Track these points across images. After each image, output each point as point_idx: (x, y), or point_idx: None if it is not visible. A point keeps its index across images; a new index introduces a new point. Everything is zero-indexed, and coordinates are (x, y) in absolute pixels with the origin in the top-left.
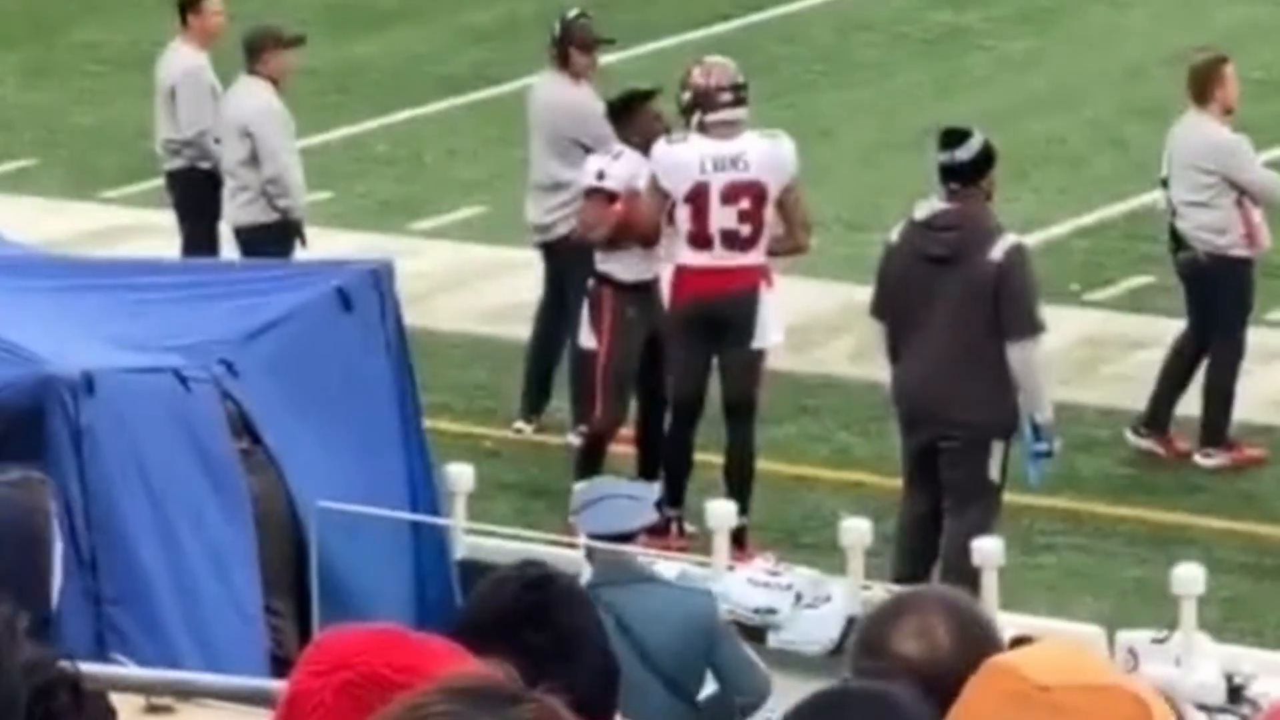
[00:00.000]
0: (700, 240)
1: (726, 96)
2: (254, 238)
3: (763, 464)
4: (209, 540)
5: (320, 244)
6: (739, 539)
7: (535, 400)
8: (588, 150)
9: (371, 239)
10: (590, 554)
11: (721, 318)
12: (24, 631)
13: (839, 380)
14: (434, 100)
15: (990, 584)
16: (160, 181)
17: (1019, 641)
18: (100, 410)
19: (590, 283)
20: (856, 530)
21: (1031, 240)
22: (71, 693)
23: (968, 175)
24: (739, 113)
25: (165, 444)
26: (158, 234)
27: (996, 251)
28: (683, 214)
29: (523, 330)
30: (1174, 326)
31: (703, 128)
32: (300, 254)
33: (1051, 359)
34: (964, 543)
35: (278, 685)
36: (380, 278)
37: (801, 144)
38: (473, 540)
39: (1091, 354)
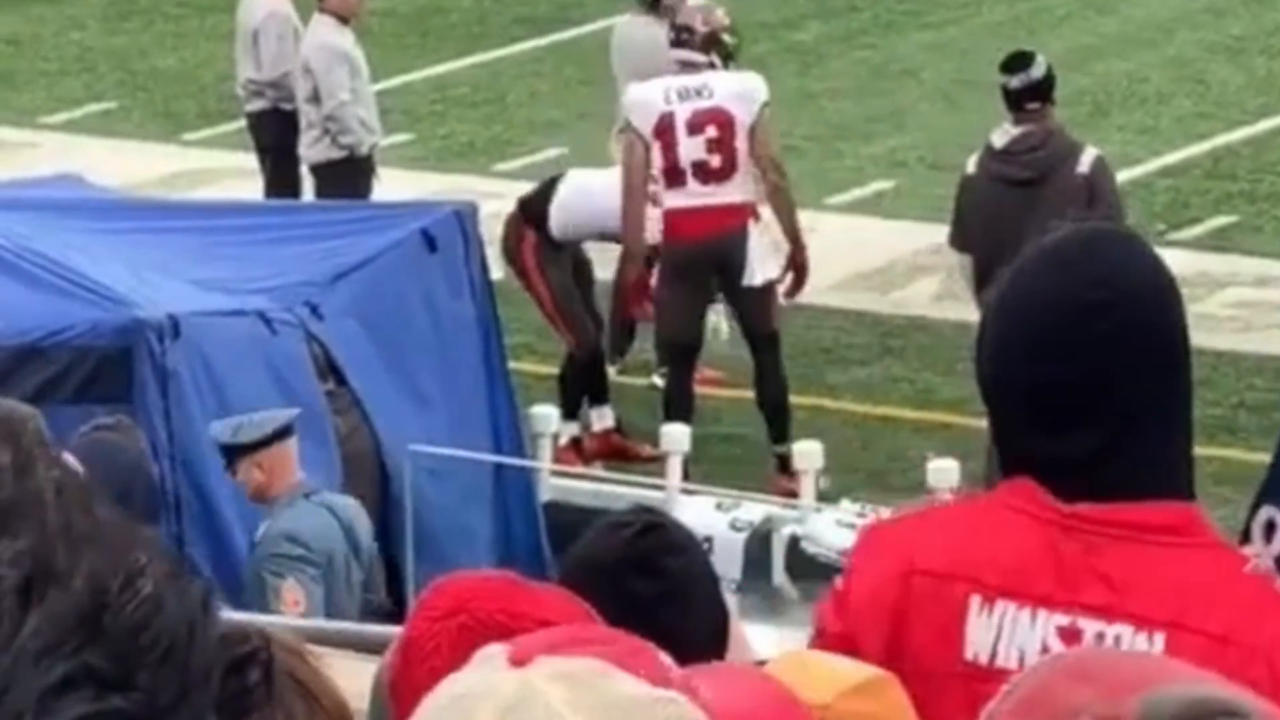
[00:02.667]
0: (673, 176)
1: (697, 39)
2: (324, 175)
3: (846, 405)
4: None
5: (402, 186)
6: (785, 466)
7: (620, 341)
8: None
9: (454, 180)
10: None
11: (710, 260)
12: (216, 604)
13: (923, 321)
14: (516, 41)
15: None
16: (241, 124)
17: None
18: (186, 353)
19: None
20: (944, 471)
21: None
22: (264, 665)
23: (1043, 94)
24: (705, 59)
25: (250, 386)
26: (239, 176)
27: (1083, 165)
28: (655, 152)
29: (607, 271)
30: (1258, 266)
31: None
32: (378, 193)
33: None
34: None
35: (394, 630)
36: (464, 219)
37: (883, 84)
38: (558, 482)
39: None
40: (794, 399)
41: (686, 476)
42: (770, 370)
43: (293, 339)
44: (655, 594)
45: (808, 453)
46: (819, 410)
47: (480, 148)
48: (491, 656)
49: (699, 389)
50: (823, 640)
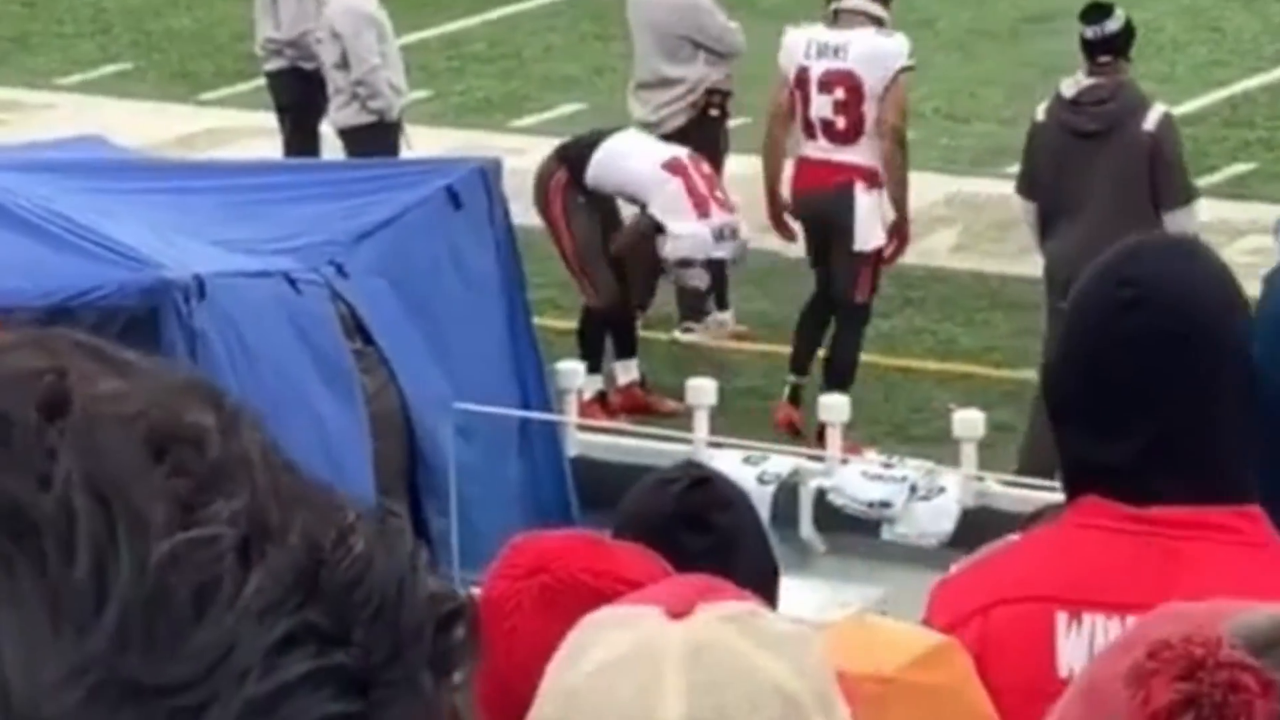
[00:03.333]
0: (806, 128)
1: None
2: (354, 140)
3: (867, 356)
4: (324, 441)
5: (420, 143)
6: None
7: (642, 295)
8: (698, 47)
9: (472, 137)
10: None
11: (819, 214)
12: (424, 562)
13: (943, 272)
14: None
15: None
16: (259, 83)
17: None
18: (212, 313)
19: (546, 162)
20: (969, 421)
21: None
22: (471, 621)
23: (1117, 47)
24: (860, 4)
25: (277, 345)
26: (258, 136)
27: (1149, 122)
28: (797, 99)
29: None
30: (1277, 212)
31: (827, 17)
32: (405, 154)
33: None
34: None
35: None
36: (488, 176)
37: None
38: (585, 437)
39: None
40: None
41: (712, 431)
42: (843, 340)
43: (318, 298)
44: (704, 548)
45: (834, 406)
46: None
47: (497, 104)
48: (639, 615)
49: (726, 344)
50: None
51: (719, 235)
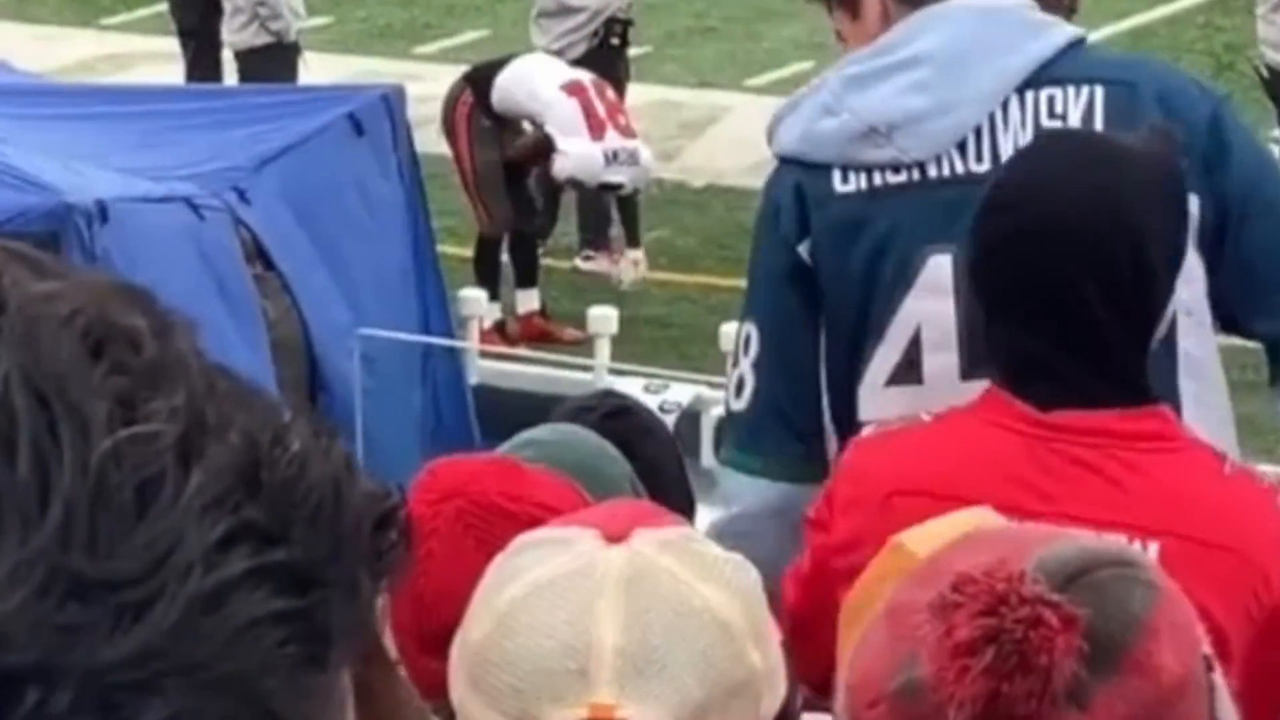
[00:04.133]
0: None
1: None
2: (250, 61)
3: None
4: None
5: (321, 69)
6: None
7: (543, 224)
8: None
9: (373, 64)
10: None
11: None
12: (358, 463)
13: None
14: None
15: None
16: (159, 8)
17: None
18: (115, 238)
19: (454, 85)
20: None
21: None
22: (405, 520)
23: None
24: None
25: (180, 271)
26: (159, 61)
27: None
28: None
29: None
30: None
31: None
32: (303, 78)
33: None
34: None
35: None
36: (391, 103)
37: None
38: (486, 365)
39: None
40: (719, 280)
41: (613, 360)
42: None
43: (221, 224)
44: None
45: (733, 334)
46: (742, 291)
47: (398, 31)
48: (575, 537)
49: (622, 272)
50: (802, 562)
51: (611, 158)
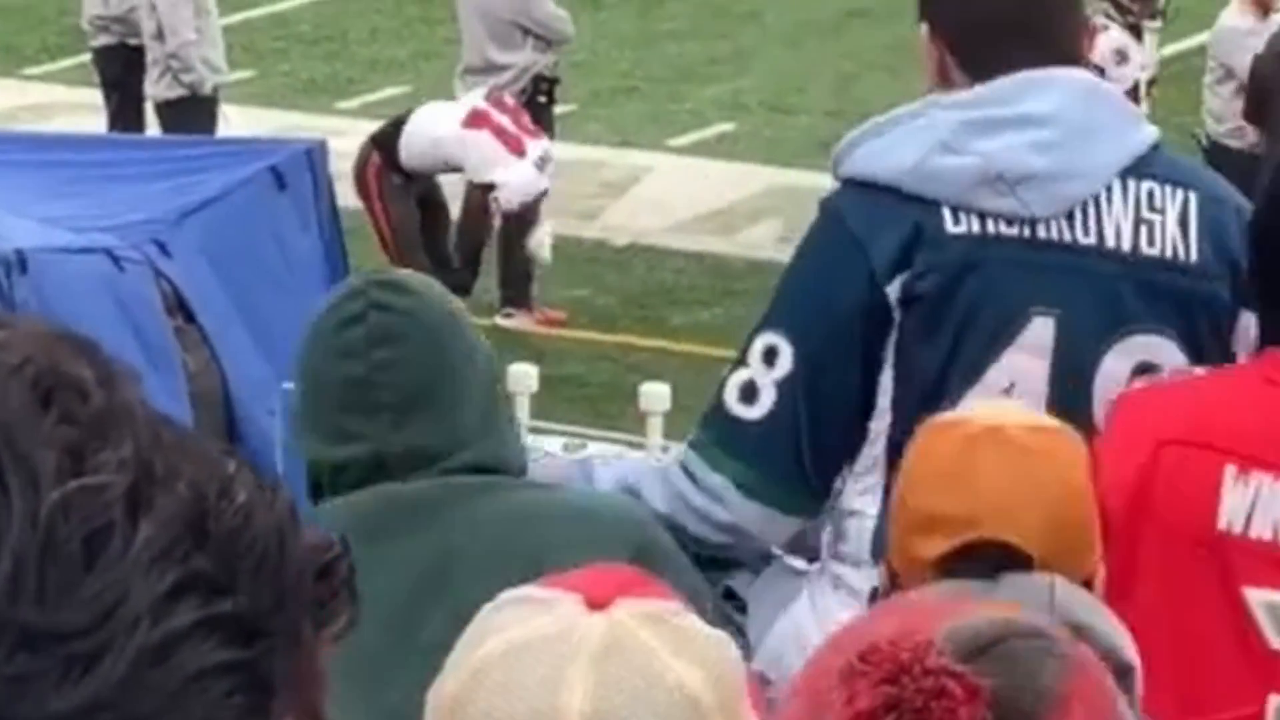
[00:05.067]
0: None
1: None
2: (169, 114)
3: (688, 347)
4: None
5: (243, 123)
6: None
7: (464, 279)
8: (527, 33)
9: (295, 118)
10: None
11: None
12: (300, 514)
13: (765, 264)
14: None
15: None
16: (83, 59)
17: None
18: (34, 288)
19: (362, 147)
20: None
21: None
22: (347, 570)
23: None
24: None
25: (99, 322)
26: (82, 112)
27: None
28: None
29: (452, 210)
30: None
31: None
32: (222, 131)
33: None
34: None
35: None
36: (314, 157)
37: (726, 25)
38: None
39: None
40: (638, 339)
41: (533, 418)
42: None
43: (141, 276)
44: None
45: (655, 394)
46: (663, 352)
47: (321, 85)
48: (560, 599)
49: (541, 329)
50: None
51: (541, 165)
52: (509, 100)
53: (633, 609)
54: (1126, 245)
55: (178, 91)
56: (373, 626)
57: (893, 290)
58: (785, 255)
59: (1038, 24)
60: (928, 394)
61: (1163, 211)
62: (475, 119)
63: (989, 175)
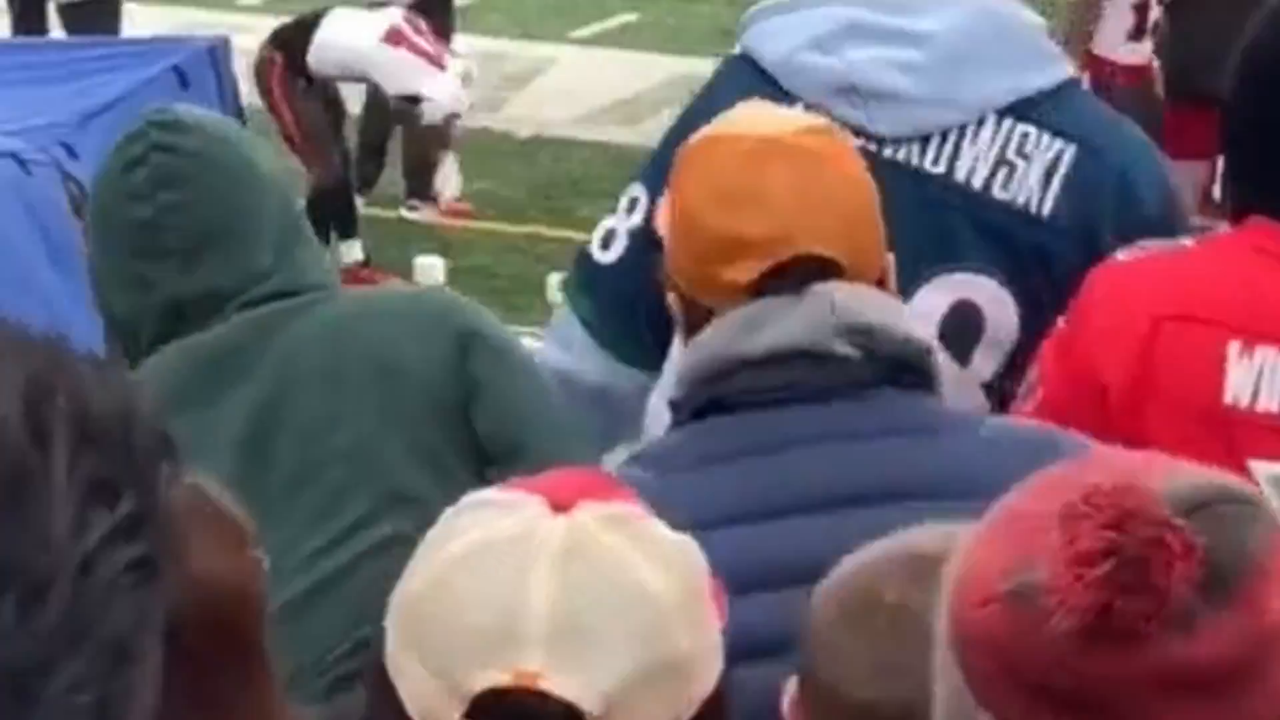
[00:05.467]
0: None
1: None
2: (73, 15)
3: (585, 235)
4: (54, 319)
5: (145, 20)
6: None
7: (368, 172)
8: None
9: (199, 15)
10: None
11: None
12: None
13: None
14: None
15: None
16: None
17: None
18: None
19: (261, 48)
20: None
21: None
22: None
23: None
24: None
25: (6, 226)
26: None
27: None
28: None
29: (358, 102)
30: None
31: None
32: (126, 31)
33: None
34: None
35: None
36: (217, 55)
37: None
38: None
39: None
40: (546, 230)
41: None
42: None
43: (49, 179)
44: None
45: (557, 284)
46: (570, 243)
47: None
48: (519, 502)
49: (448, 220)
50: (1046, 388)
51: (465, 79)
52: (424, 23)
53: (595, 511)
54: (977, 183)
55: None
56: (224, 476)
57: None
58: None
59: None
60: None
61: (1029, 158)
62: (393, 36)
63: (845, 84)
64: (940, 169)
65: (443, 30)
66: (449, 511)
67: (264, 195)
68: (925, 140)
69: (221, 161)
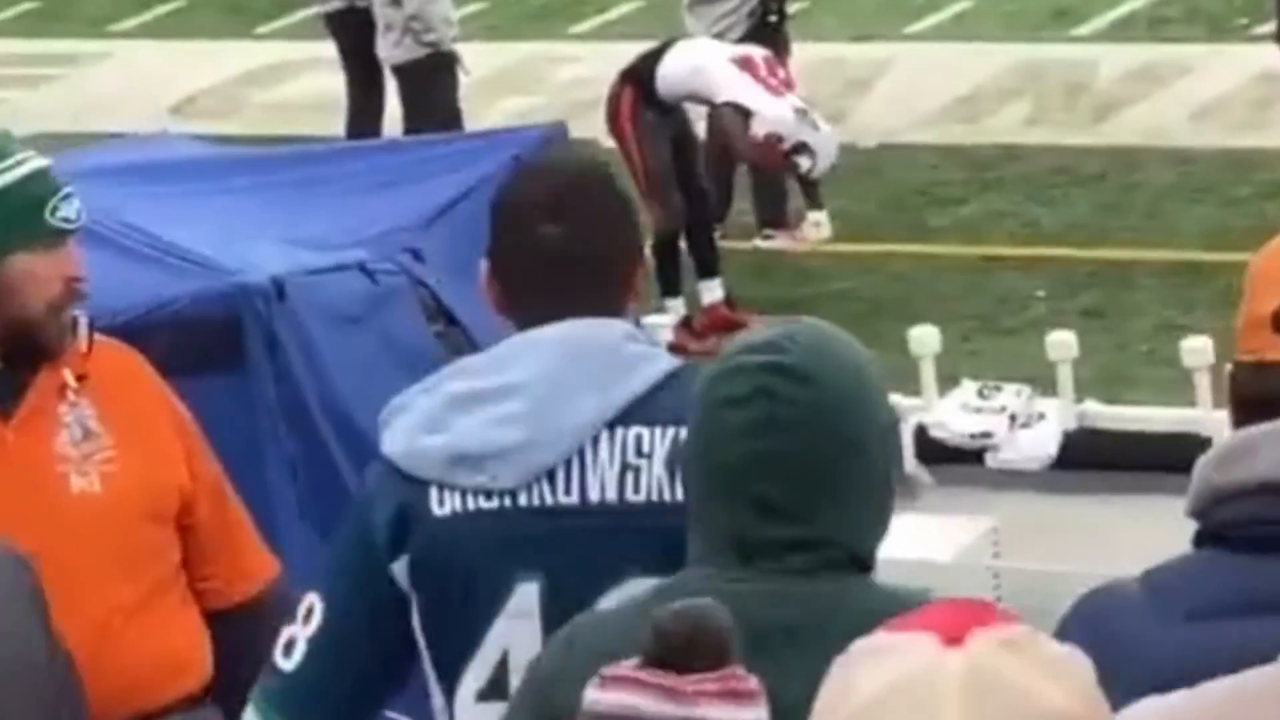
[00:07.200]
0: None
1: None
2: (410, 75)
3: (947, 248)
4: None
5: (479, 60)
6: None
7: (718, 208)
8: None
9: (531, 48)
10: None
11: None
12: None
13: (1018, 149)
14: None
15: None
16: (311, 10)
17: None
18: (292, 315)
19: (614, 84)
20: (1062, 344)
21: None
22: None
23: None
24: None
25: (358, 341)
26: (317, 68)
27: None
28: None
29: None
30: None
31: None
32: (463, 81)
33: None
34: None
35: None
36: (554, 143)
37: None
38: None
39: (1268, 92)
40: (895, 247)
41: None
42: None
43: (397, 287)
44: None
45: (922, 338)
46: (922, 257)
47: (554, 9)
48: (911, 642)
49: (802, 247)
50: None
51: (801, 115)
52: (783, 72)
53: (989, 638)
54: (612, 495)
55: (420, 52)
56: None
57: (399, 570)
58: (1037, 138)
59: (561, 277)
60: (454, 669)
61: (650, 455)
62: (743, 62)
63: (457, 454)
64: (574, 498)
65: (781, 58)
66: (840, 663)
67: (863, 446)
68: (552, 477)
69: (826, 406)
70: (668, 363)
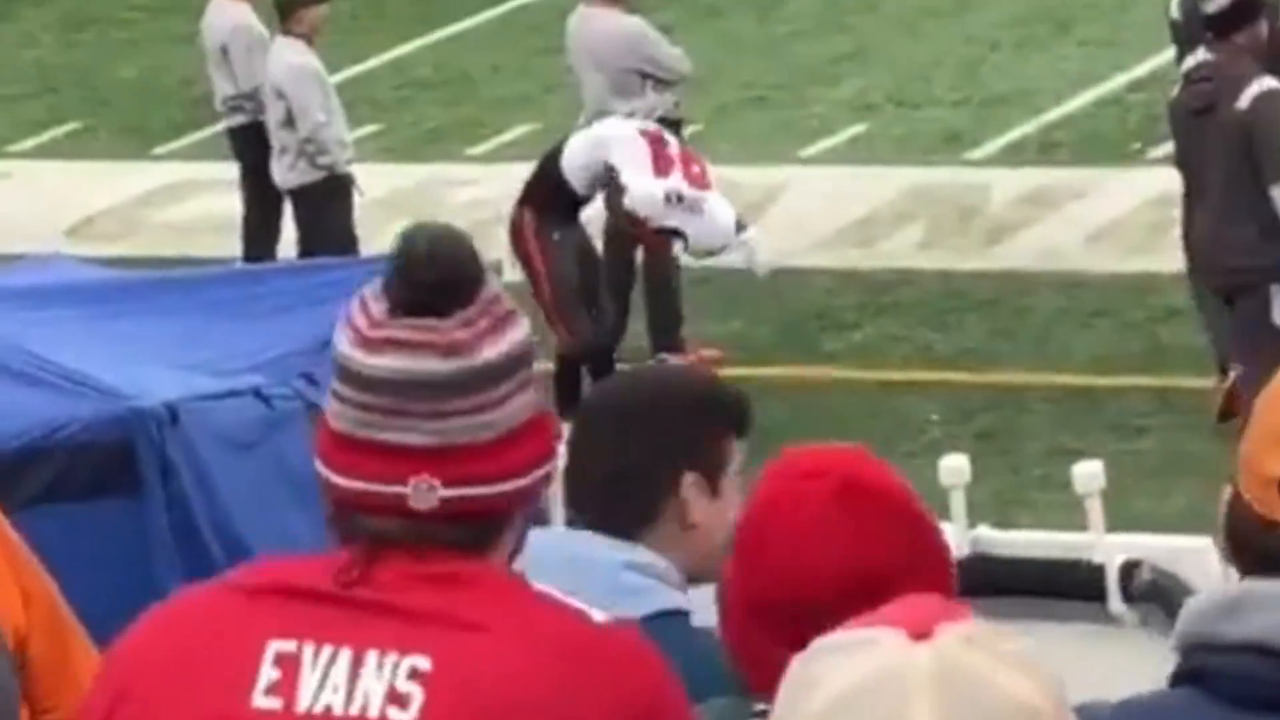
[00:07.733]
0: None
1: None
2: (305, 198)
3: (842, 372)
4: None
5: (374, 181)
6: None
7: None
8: (646, 78)
9: (427, 170)
10: None
11: None
12: None
13: (912, 273)
14: (471, 13)
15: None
16: (211, 130)
17: None
18: (185, 440)
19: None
20: (954, 469)
21: (1082, 99)
22: None
23: (1217, 27)
24: None
25: (251, 466)
26: (214, 189)
27: (1244, 100)
28: None
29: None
30: None
31: None
32: (356, 200)
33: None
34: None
35: None
36: None
37: (843, 19)
38: None
39: (1163, 215)
40: (790, 371)
41: None
42: None
43: (292, 412)
44: None
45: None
46: (817, 382)
47: (449, 132)
48: (878, 638)
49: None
50: None
51: (670, 199)
52: (697, 168)
53: (955, 633)
54: None
55: (315, 176)
56: None
57: None
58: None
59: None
60: None
61: None
62: (649, 133)
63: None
64: None
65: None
66: (802, 660)
67: None
68: None
69: None
70: (669, 600)
